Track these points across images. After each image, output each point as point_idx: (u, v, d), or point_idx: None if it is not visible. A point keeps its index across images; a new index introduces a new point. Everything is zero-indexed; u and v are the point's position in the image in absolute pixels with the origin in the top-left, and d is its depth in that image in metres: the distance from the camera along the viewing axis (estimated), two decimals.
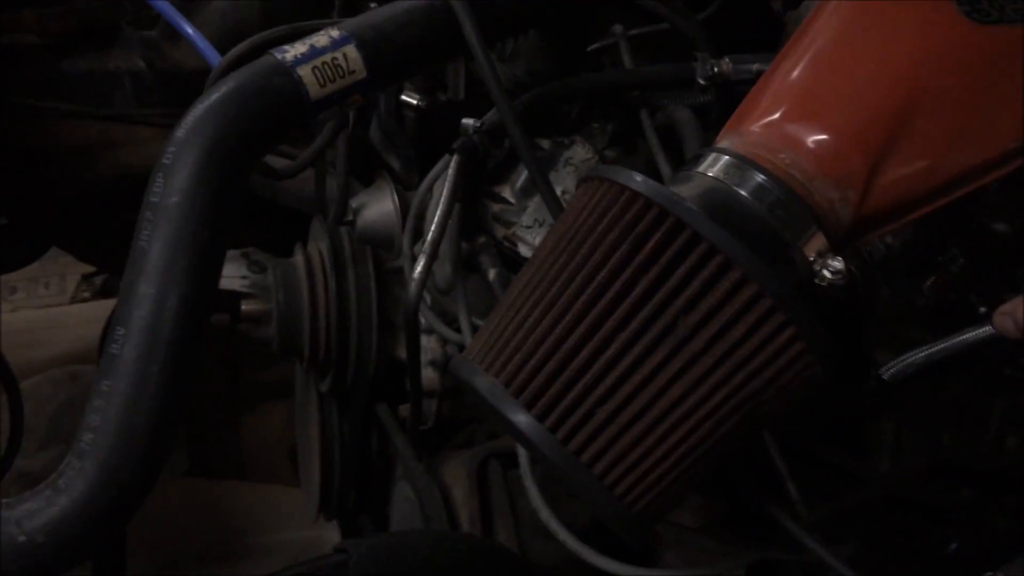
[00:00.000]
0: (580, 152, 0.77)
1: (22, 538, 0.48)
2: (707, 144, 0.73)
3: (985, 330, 0.63)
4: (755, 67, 0.79)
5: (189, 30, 0.90)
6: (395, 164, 0.94)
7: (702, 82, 0.78)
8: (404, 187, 0.91)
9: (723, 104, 0.83)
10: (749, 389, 0.50)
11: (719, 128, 0.74)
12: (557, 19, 0.74)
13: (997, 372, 0.73)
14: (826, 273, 0.54)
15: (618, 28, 0.88)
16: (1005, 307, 0.57)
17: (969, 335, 0.64)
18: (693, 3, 0.93)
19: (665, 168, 0.77)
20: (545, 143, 0.78)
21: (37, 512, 0.49)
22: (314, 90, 0.59)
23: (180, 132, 0.56)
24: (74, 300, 1.84)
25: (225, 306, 1.32)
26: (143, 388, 0.52)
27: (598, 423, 0.50)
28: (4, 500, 0.50)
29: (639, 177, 0.52)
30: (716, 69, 0.79)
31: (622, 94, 0.79)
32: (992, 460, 0.77)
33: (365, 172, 0.96)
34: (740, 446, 0.53)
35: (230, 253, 1.66)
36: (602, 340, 0.50)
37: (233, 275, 1.80)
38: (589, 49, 0.89)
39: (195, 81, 1.16)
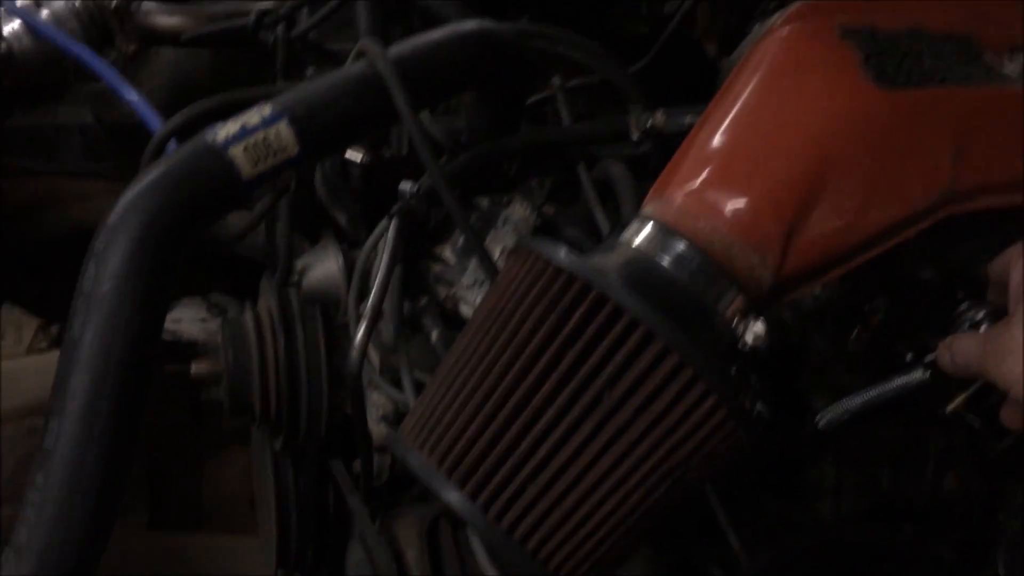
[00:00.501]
0: (519, 210, 0.78)
1: None
2: (642, 196, 0.75)
3: (916, 375, 0.66)
4: (687, 120, 0.81)
5: (131, 96, 0.90)
6: (342, 220, 0.95)
7: (636, 136, 0.80)
8: (351, 243, 0.92)
9: (660, 154, 0.84)
10: (676, 457, 0.51)
11: (655, 178, 0.76)
12: (490, 82, 0.75)
13: (931, 413, 0.75)
14: (748, 337, 0.55)
15: (556, 81, 0.89)
16: (944, 343, 0.59)
17: (900, 380, 0.66)
18: (629, 53, 0.95)
19: (603, 222, 0.78)
20: (484, 201, 0.79)
21: None
22: (246, 170, 0.60)
23: (112, 218, 0.56)
24: (31, 351, 1.82)
25: (182, 356, 1.32)
26: (78, 482, 0.52)
27: (530, 498, 0.51)
28: None
29: (563, 251, 0.53)
30: (650, 123, 0.80)
31: (559, 150, 0.81)
32: (933, 497, 0.79)
33: (312, 227, 0.96)
34: (672, 509, 0.55)
35: (190, 298, 1.65)
36: (531, 415, 0.51)
37: (192, 318, 1.79)
38: (529, 102, 0.90)
39: (143, 134, 1.16)
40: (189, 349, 1.48)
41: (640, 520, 0.52)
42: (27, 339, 1.90)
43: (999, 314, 0.59)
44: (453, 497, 0.51)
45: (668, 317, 0.50)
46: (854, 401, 0.68)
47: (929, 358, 0.64)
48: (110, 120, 1.21)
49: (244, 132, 0.61)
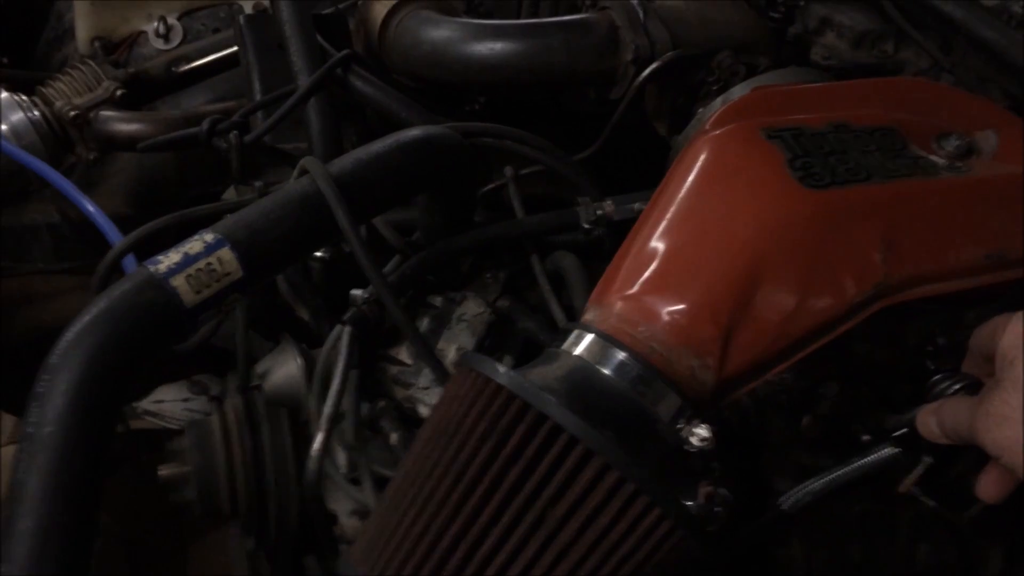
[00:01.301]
0: (472, 307, 0.78)
1: None
2: (593, 284, 0.75)
3: (884, 452, 0.65)
4: (636, 206, 0.82)
5: (90, 207, 0.91)
6: (305, 316, 0.95)
7: (586, 226, 0.81)
8: (314, 340, 0.92)
9: (613, 237, 0.85)
10: (625, 571, 0.51)
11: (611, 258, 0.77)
12: (439, 184, 0.76)
13: (895, 487, 0.75)
14: (693, 441, 0.55)
15: (508, 170, 0.91)
16: (927, 409, 0.59)
17: (867, 459, 0.65)
18: (587, 136, 0.97)
19: (557, 312, 0.79)
20: (438, 300, 0.80)
21: None
22: (188, 298, 0.60)
23: (52, 358, 0.57)
24: (11, 441, 1.81)
25: (161, 443, 1.31)
26: None
27: None
28: None
29: (502, 369, 0.53)
30: (599, 211, 0.82)
31: (512, 243, 0.82)
32: (906, 569, 0.78)
33: (273, 327, 0.96)
34: None
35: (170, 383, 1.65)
36: (476, 537, 0.51)
37: (175, 398, 1.78)
38: (484, 191, 0.92)
39: None
40: (169, 435, 1.47)
41: None
42: (8, 429, 1.89)
43: (976, 385, 0.59)
44: None
45: (609, 430, 0.51)
46: (818, 483, 0.68)
47: (898, 433, 0.64)
48: (76, 218, 1.22)
49: (187, 260, 0.61)
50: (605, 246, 0.86)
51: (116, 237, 0.86)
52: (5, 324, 1.23)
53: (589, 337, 0.57)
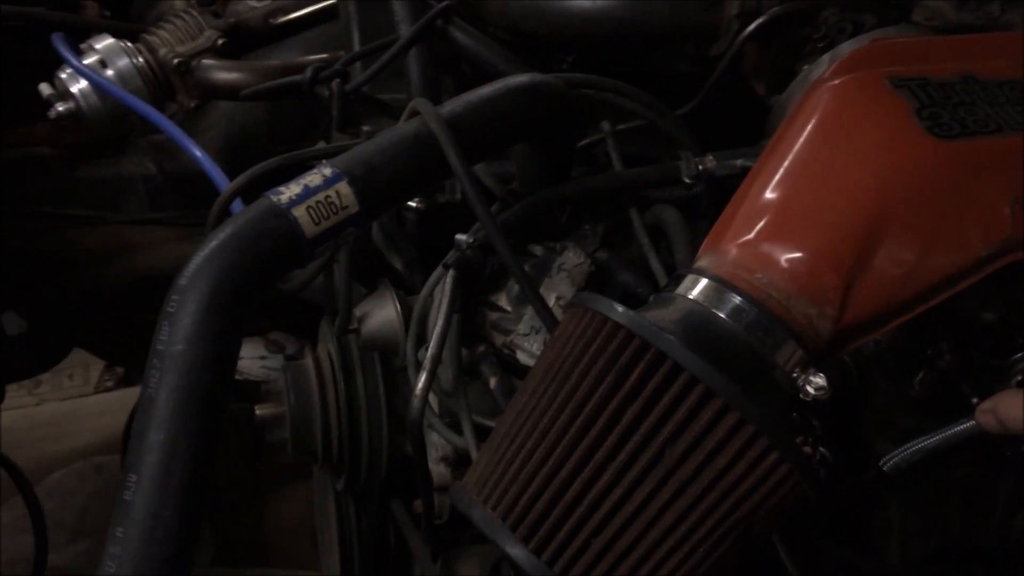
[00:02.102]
0: (572, 257, 0.79)
1: None
2: (695, 239, 0.75)
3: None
4: (739, 162, 0.81)
5: (197, 152, 0.93)
6: (398, 265, 0.97)
7: (687, 180, 0.81)
8: (407, 289, 0.94)
9: (711, 195, 0.85)
10: (739, 513, 0.51)
11: (710, 216, 0.77)
12: (541, 132, 0.77)
13: (999, 453, 0.74)
14: (809, 389, 0.55)
15: (606, 125, 0.90)
16: (985, 404, 0.58)
17: (962, 426, 0.65)
18: (675, 95, 0.96)
19: (656, 266, 0.79)
20: (538, 249, 0.80)
21: None
22: (309, 229, 0.62)
23: (182, 280, 0.59)
24: (98, 390, 1.88)
25: (243, 395, 1.35)
26: (156, 533, 0.54)
27: (594, 554, 0.51)
28: None
29: (620, 308, 0.53)
30: (700, 167, 0.81)
31: (611, 195, 0.81)
32: (1003, 538, 0.77)
33: (369, 274, 0.98)
34: (739, 562, 0.55)
35: (249, 337, 1.69)
36: (593, 471, 0.52)
37: (252, 356, 1.83)
38: (579, 145, 0.91)
39: (205, 182, 1.20)
40: (250, 387, 1.51)
41: (706, 575, 0.52)
42: (94, 378, 1.97)
43: None
44: (517, 552, 0.51)
45: (727, 373, 0.51)
46: (921, 444, 0.67)
47: None
48: (171, 170, 1.26)
49: (307, 192, 0.63)
50: (702, 204, 0.86)
51: (223, 181, 0.88)
52: (100, 272, 1.28)
53: (704, 282, 0.57)
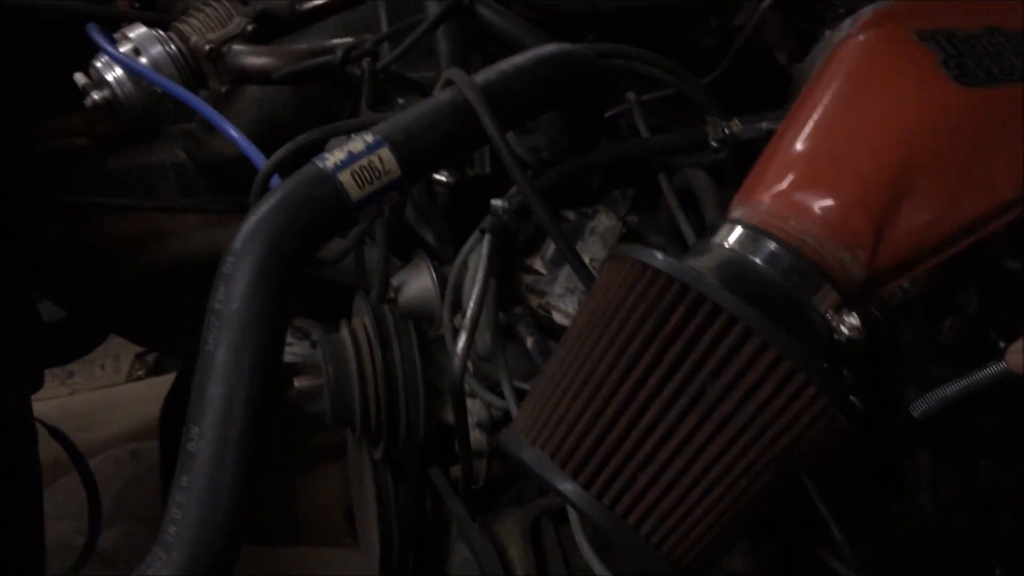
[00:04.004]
0: (604, 221, 0.81)
1: None
2: (724, 202, 0.77)
3: (1004, 365, 0.66)
4: (764, 125, 0.83)
5: (233, 133, 0.96)
6: (430, 238, 0.99)
7: (714, 144, 0.83)
8: (439, 260, 0.96)
9: (737, 160, 0.87)
10: (779, 445, 0.53)
11: (735, 182, 0.78)
12: (571, 101, 0.79)
13: None
14: (844, 329, 0.57)
15: (631, 95, 0.93)
16: (1016, 344, 0.60)
17: (990, 370, 0.66)
18: (697, 65, 0.98)
19: (687, 228, 0.81)
20: (570, 214, 0.82)
21: None
22: (354, 192, 0.64)
23: (236, 243, 0.61)
24: (129, 379, 1.92)
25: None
26: (220, 481, 0.57)
27: (640, 487, 0.53)
28: None
29: (660, 255, 0.56)
30: (727, 131, 0.83)
31: (640, 162, 0.84)
32: None
33: (402, 247, 1.01)
34: (778, 496, 0.57)
35: None
36: (638, 409, 0.54)
37: None
38: (606, 116, 0.94)
39: (235, 168, 1.23)
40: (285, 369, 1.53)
41: (746, 505, 0.54)
42: (125, 368, 2.01)
43: None
44: (568, 487, 0.54)
45: (765, 313, 0.53)
46: (950, 389, 0.68)
47: None
48: (202, 157, 1.28)
49: (351, 158, 0.65)
50: (728, 169, 0.88)
51: (259, 158, 0.91)
52: (134, 259, 1.31)
53: (740, 230, 0.59)
